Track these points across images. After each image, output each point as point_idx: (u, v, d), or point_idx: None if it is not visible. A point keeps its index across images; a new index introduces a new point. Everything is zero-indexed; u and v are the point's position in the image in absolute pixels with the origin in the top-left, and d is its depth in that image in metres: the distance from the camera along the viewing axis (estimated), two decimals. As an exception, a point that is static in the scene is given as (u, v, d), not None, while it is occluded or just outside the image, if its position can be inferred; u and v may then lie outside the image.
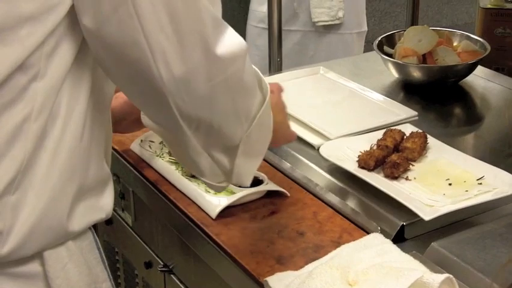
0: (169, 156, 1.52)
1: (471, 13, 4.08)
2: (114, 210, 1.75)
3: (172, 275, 1.55)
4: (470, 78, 1.88)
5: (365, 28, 3.02)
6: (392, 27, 3.87)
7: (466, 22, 4.03)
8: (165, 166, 1.49)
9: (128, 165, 1.56)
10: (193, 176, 1.44)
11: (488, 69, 1.94)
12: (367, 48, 3.25)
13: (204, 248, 1.32)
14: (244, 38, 3.36)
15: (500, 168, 1.40)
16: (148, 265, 1.64)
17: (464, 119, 1.83)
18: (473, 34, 1.97)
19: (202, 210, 1.36)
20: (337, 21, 2.88)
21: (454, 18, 4.05)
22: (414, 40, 1.84)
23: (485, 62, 1.88)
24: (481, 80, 1.90)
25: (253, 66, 1.10)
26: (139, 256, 1.68)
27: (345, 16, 2.88)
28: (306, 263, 1.22)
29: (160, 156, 1.52)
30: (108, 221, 1.81)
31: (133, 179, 1.56)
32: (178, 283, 1.53)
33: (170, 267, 1.56)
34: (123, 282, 1.85)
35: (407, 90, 1.86)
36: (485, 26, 2.08)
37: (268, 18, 1.97)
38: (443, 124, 1.74)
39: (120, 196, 1.68)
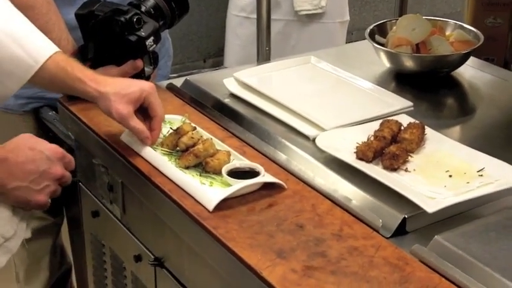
0: (161, 147, 1.48)
1: (450, 3, 4.07)
2: (101, 202, 1.71)
3: (163, 269, 1.51)
4: (461, 69, 1.86)
5: (347, 17, 3.00)
6: (372, 17, 3.85)
7: (445, 13, 4.02)
8: (158, 157, 1.45)
9: (118, 155, 1.51)
10: (187, 168, 1.41)
11: (479, 59, 1.92)
12: (348, 38, 3.22)
13: (201, 241, 1.29)
14: (225, 27, 3.34)
15: (496, 157, 1.38)
16: (138, 258, 1.60)
17: (457, 109, 1.81)
18: (459, 24, 1.95)
19: (199, 202, 1.32)
20: (319, 10, 2.86)
21: (433, 8, 4.04)
22: (408, 29, 1.81)
23: (475, 53, 1.86)
24: (472, 70, 1.89)
25: None
26: (128, 249, 1.64)
27: (327, 5, 2.85)
28: (308, 257, 1.19)
29: (151, 147, 1.48)
30: (95, 214, 1.76)
31: (123, 170, 1.51)
32: (170, 277, 1.49)
33: (161, 260, 1.52)
34: (110, 276, 1.81)
35: (399, 80, 1.84)
36: (475, 15, 2.06)
37: (257, 7, 1.94)
38: (437, 114, 1.71)
39: (108, 188, 1.63)
